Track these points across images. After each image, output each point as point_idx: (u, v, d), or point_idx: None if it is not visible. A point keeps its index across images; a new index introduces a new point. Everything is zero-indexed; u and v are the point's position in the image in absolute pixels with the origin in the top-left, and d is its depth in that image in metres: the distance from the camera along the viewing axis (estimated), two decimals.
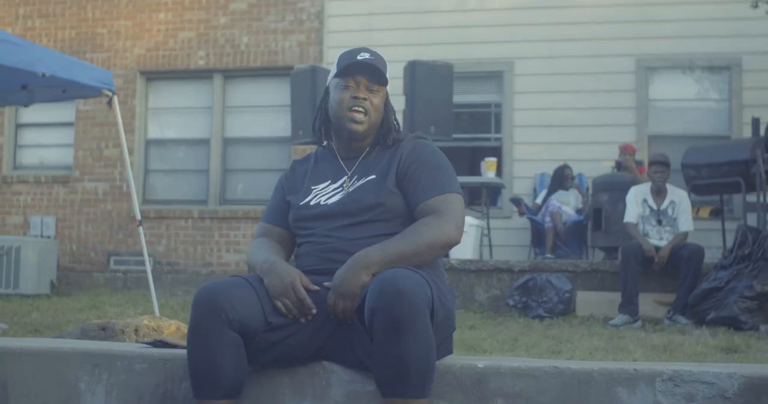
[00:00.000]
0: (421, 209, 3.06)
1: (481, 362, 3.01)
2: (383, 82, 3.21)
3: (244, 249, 12.50)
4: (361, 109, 3.16)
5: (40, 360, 3.35)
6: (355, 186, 3.16)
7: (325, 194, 3.21)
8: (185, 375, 3.15)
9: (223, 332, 2.83)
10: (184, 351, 3.20)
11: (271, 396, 3.08)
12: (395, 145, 3.23)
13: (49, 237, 13.09)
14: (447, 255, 9.61)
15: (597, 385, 2.90)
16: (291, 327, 2.95)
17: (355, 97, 3.16)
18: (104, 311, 8.61)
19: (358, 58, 3.19)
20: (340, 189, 3.19)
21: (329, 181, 3.24)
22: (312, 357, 3.06)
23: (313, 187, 3.25)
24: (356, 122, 3.16)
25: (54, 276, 12.35)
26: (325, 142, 3.36)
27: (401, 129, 3.33)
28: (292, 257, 3.36)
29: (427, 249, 2.95)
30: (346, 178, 3.21)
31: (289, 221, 3.28)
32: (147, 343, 3.50)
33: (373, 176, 3.15)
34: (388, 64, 3.28)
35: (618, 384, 2.88)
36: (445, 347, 3.06)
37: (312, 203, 3.20)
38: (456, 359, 3.10)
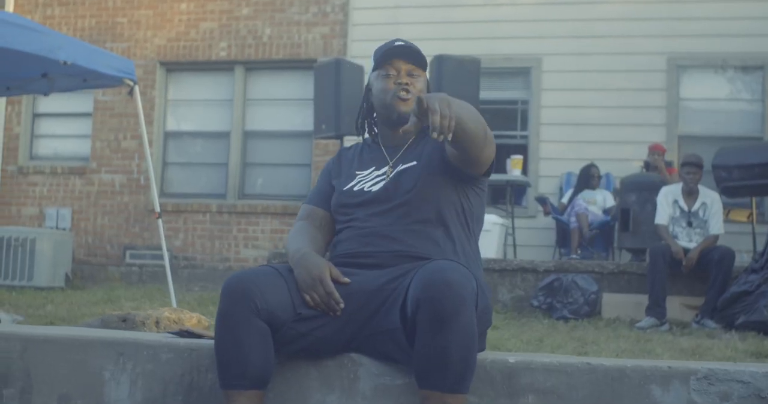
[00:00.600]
0: None
1: (512, 357, 3.03)
2: (423, 64, 3.30)
3: (262, 244, 12.55)
4: (405, 91, 3.23)
5: (64, 348, 3.39)
6: (396, 172, 3.23)
7: (369, 180, 3.27)
8: (211, 365, 3.19)
9: (251, 321, 2.86)
10: (211, 342, 3.24)
11: (298, 389, 3.10)
12: None
13: (64, 229, 13.17)
14: None
15: (630, 382, 2.91)
16: (319, 319, 2.97)
17: (399, 83, 3.25)
18: (120, 305, 8.65)
19: (393, 45, 3.29)
20: (384, 176, 3.25)
21: (373, 168, 3.31)
22: (340, 350, 3.08)
23: (357, 173, 3.34)
24: (403, 100, 3.23)
25: (69, 269, 12.42)
26: (367, 134, 3.45)
27: None
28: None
29: (479, 121, 2.98)
30: (388, 166, 3.28)
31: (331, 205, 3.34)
32: (172, 333, 3.54)
33: (414, 162, 3.22)
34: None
35: (651, 382, 2.89)
36: (480, 342, 3.06)
37: (355, 189, 3.27)
38: (487, 354, 3.13)
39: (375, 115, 3.41)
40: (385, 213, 3.12)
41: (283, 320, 2.92)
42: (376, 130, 3.43)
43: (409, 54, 3.27)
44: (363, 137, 3.47)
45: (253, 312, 2.85)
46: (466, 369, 2.72)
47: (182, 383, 3.25)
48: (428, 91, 3.33)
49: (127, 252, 13.08)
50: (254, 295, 2.86)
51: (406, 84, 3.24)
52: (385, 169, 3.28)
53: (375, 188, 3.23)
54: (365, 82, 9.91)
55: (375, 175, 3.28)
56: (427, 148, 3.27)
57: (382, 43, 3.38)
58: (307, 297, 2.98)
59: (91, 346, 3.36)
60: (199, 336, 3.41)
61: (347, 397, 3.08)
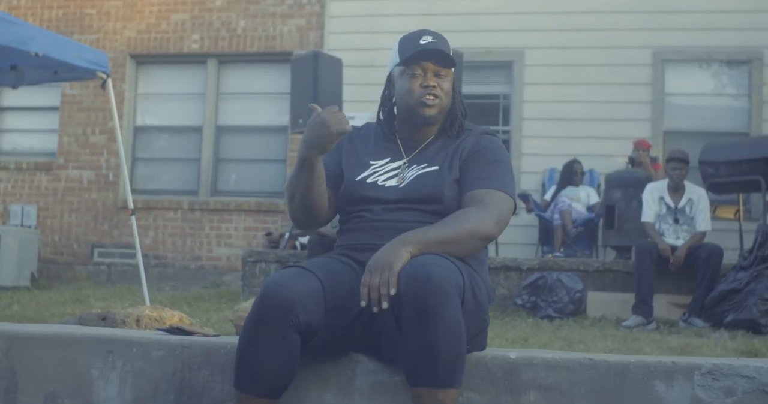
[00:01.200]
0: (467, 198, 3.12)
1: (513, 353, 3.07)
2: (450, 64, 3.26)
3: (236, 242, 12.55)
4: (432, 95, 3.21)
5: (50, 346, 3.39)
6: (413, 174, 3.21)
7: (383, 173, 3.26)
8: (204, 363, 3.22)
9: (287, 334, 2.85)
10: (202, 339, 3.28)
11: (294, 387, 3.10)
12: (460, 136, 3.29)
13: (29, 226, 13.10)
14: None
15: (633, 378, 2.96)
16: (332, 320, 2.95)
17: (426, 86, 3.21)
18: (89, 305, 8.63)
19: (421, 42, 3.22)
20: (398, 171, 3.25)
21: (388, 159, 3.31)
22: (342, 350, 3.12)
23: (371, 162, 3.31)
24: (428, 106, 3.21)
25: (34, 268, 12.36)
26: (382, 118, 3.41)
27: (467, 115, 3.36)
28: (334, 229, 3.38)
29: (467, 238, 2.96)
30: (403, 162, 3.27)
31: (339, 189, 3.31)
32: (163, 330, 3.55)
33: (436, 167, 3.21)
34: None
35: (655, 378, 2.94)
36: (479, 342, 3.10)
37: (368, 181, 3.25)
38: (487, 350, 3.16)
39: (396, 110, 3.36)
40: (400, 211, 3.12)
41: (316, 330, 2.91)
42: (396, 125, 3.39)
43: (437, 57, 3.22)
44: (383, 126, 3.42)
45: (292, 325, 2.84)
46: (455, 363, 2.74)
47: (173, 381, 3.26)
48: (453, 86, 3.30)
49: (95, 251, 13.04)
50: (296, 306, 2.84)
51: (433, 86, 3.21)
52: (400, 163, 3.27)
53: (389, 183, 3.22)
54: (343, 75, 10.03)
55: (390, 168, 3.27)
56: (445, 152, 3.25)
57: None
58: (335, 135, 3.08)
59: (79, 344, 3.37)
60: (191, 334, 3.43)
61: (344, 395, 3.11)
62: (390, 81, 3.36)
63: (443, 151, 3.26)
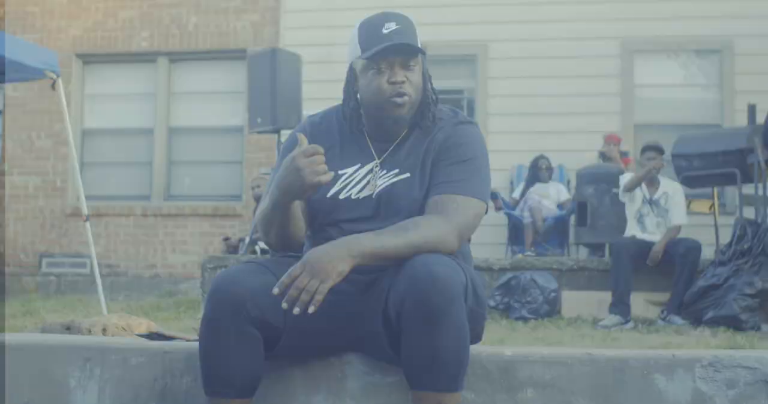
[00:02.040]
0: (431, 204, 2.99)
1: (509, 350, 3.11)
2: (417, 53, 3.03)
3: (191, 249, 12.51)
4: (402, 95, 3.01)
5: (24, 355, 3.39)
6: (385, 182, 3.08)
7: (355, 184, 3.10)
8: (186, 368, 3.22)
9: (242, 330, 2.84)
10: (184, 343, 3.29)
11: (282, 391, 3.13)
12: (433, 129, 3.12)
13: None
14: None
15: (633, 372, 3.01)
16: (307, 325, 2.90)
17: (393, 82, 3.00)
18: (41, 318, 8.56)
19: (384, 31, 2.99)
20: (371, 177, 3.09)
21: (359, 165, 3.13)
22: (326, 351, 3.11)
23: (340, 172, 3.11)
24: (398, 105, 3.01)
25: None
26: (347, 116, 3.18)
27: (438, 101, 3.17)
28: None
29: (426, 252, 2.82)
30: (375, 165, 3.12)
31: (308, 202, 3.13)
32: (143, 335, 3.57)
33: (407, 174, 3.07)
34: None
35: (655, 371, 3.00)
36: (475, 336, 3.03)
37: (341, 196, 3.09)
38: (482, 347, 3.18)
39: (362, 106, 3.14)
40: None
41: (274, 327, 2.89)
42: (363, 121, 3.17)
43: (404, 50, 2.99)
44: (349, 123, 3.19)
45: (246, 320, 2.83)
46: (459, 366, 2.75)
47: (155, 388, 3.26)
48: (424, 75, 3.10)
49: (44, 261, 12.95)
50: (246, 301, 2.82)
51: (402, 82, 2.99)
52: (371, 166, 3.12)
53: (363, 194, 3.07)
54: (302, 72, 10.03)
55: (361, 176, 3.11)
56: (417, 153, 3.10)
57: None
58: (311, 182, 2.83)
59: (55, 352, 3.37)
60: (171, 338, 3.44)
61: (334, 397, 3.13)
62: (352, 74, 3.13)
63: (414, 153, 3.10)
